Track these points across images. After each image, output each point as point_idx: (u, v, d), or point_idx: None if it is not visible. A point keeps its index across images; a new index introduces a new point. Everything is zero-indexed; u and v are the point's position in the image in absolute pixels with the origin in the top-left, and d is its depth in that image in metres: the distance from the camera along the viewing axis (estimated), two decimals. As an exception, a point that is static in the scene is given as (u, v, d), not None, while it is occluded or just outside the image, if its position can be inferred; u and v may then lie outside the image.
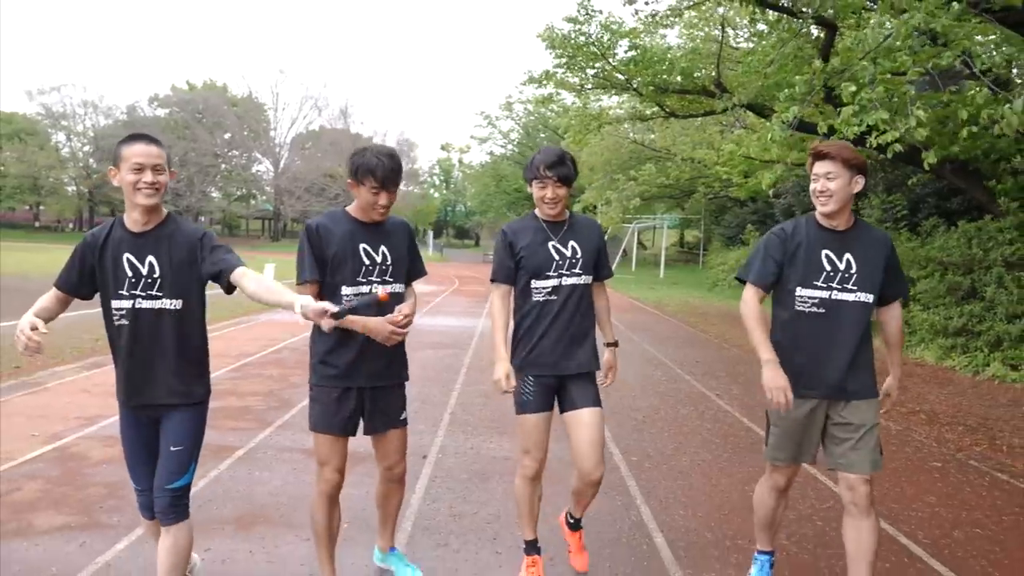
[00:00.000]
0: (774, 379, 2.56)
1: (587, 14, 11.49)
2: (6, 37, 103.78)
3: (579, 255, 2.90)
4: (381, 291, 2.64)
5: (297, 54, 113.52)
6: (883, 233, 2.79)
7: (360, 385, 2.78)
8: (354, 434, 2.83)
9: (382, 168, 2.64)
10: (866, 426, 2.64)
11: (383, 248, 2.77)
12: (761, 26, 11.74)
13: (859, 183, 2.63)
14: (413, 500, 3.93)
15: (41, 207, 62.79)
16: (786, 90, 6.58)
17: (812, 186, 2.66)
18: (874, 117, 5.72)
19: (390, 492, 3.01)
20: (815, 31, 10.23)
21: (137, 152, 2.35)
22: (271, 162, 62.22)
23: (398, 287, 2.81)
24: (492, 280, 3.00)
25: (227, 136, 60.96)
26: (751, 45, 14.58)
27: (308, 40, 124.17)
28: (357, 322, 2.64)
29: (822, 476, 4.52)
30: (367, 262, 2.74)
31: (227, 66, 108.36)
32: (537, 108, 39.05)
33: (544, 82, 13.34)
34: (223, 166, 61.37)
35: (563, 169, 2.82)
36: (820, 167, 2.64)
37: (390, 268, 2.78)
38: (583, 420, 2.87)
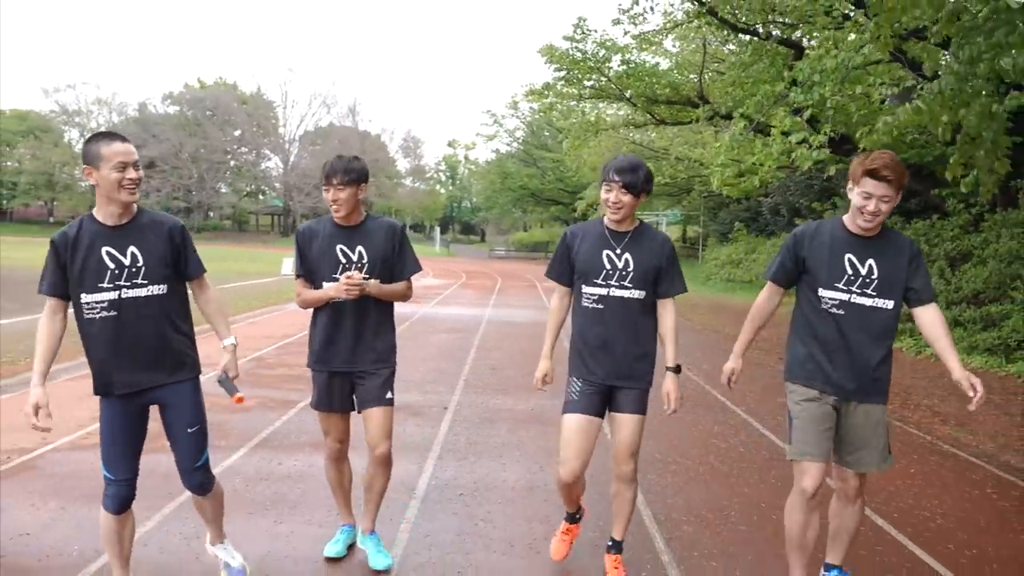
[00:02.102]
0: (728, 364, 2.96)
1: (583, 33, 12.78)
2: (23, 36, 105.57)
3: (631, 268, 2.87)
4: (237, 395, 2.73)
5: (306, 52, 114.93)
6: (907, 240, 2.74)
7: (347, 370, 3.05)
8: (351, 409, 3.15)
9: (328, 166, 2.93)
10: (873, 427, 2.69)
11: (360, 248, 2.99)
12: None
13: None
14: (439, 434, 5.25)
15: (55, 202, 64.19)
16: (739, 109, 7.94)
17: (861, 202, 2.57)
18: (793, 138, 7.13)
19: (375, 475, 3.12)
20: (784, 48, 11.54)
21: (120, 151, 2.43)
22: (280, 159, 63.48)
23: (374, 282, 3.01)
24: (547, 275, 3.12)
25: (237, 133, 62.29)
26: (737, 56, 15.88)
27: (317, 39, 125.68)
28: (326, 293, 2.96)
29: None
30: (343, 260, 2.99)
31: (237, 64, 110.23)
32: (542, 110, 40.12)
33: (545, 92, 14.64)
34: (233, 163, 62.79)
35: (630, 176, 2.79)
36: (877, 188, 2.53)
37: (365, 266, 2.99)
38: (622, 423, 2.97)
